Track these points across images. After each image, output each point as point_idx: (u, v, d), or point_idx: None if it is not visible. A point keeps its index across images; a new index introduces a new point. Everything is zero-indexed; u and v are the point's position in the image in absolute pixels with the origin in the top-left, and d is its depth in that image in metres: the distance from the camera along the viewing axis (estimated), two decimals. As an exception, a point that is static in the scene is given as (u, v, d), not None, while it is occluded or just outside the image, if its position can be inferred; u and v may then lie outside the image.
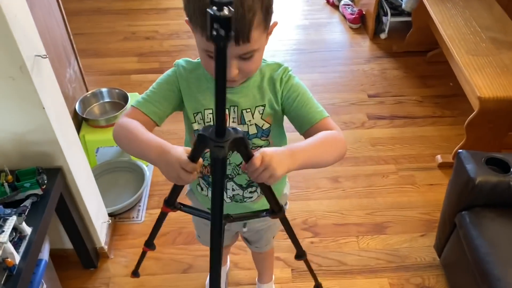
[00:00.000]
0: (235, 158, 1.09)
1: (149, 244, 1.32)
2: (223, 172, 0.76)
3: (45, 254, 1.55)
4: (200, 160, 0.83)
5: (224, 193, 1.18)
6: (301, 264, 1.95)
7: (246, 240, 1.49)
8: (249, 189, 1.17)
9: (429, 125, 2.62)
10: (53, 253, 1.70)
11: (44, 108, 1.39)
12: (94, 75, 2.94)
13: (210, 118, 1.05)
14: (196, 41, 0.92)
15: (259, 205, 1.19)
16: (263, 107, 1.04)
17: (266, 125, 1.06)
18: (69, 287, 1.85)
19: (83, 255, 1.85)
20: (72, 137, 1.67)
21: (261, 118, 1.05)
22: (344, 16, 3.60)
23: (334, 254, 1.98)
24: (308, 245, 1.99)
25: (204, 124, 1.06)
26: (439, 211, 2.11)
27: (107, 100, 2.37)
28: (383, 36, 3.33)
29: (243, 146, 0.80)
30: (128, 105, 2.25)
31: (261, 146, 1.08)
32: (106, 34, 3.41)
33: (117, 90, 2.36)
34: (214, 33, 0.58)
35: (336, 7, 3.76)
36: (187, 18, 0.91)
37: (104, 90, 2.36)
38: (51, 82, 1.48)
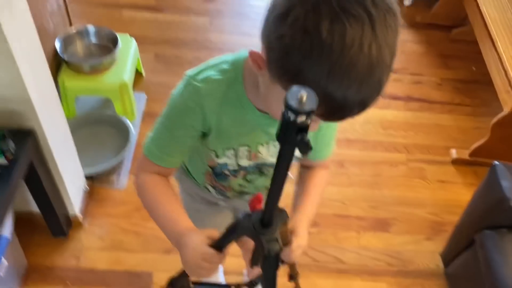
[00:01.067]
0: (260, 181, 0.93)
1: None
2: (276, 268, 0.59)
3: (6, 229, 1.32)
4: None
5: (231, 190, 0.97)
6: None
7: None
8: None
9: (446, 113, 2.40)
10: (16, 216, 1.46)
11: (14, 59, 1.10)
12: (80, 5, 2.55)
13: (246, 156, 0.83)
14: (269, 88, 0.64)
15: None
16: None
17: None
18: (34, 256, 1.63)
19: (52, 222, 1.62)
20: (49, 92, 1.38)
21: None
22: (366, -27, 3.23)
23: (332, 249, 1.81)
24: (305, 236, 1.81)
25: (237, 159, 0.84)
26: (449, 213, 1.98)
27: (93, 41, 2.04)
28: (407, 2, 3.00)
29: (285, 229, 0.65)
30: (117, 50, 1.93)
31: None
32: (98, -44, 2.96)
33: (106, 31, 2.02)
34: (299, 141, 0.46)
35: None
36: (262, 54, 0.61)
37: (90, 28, 2.02)
38: (26, 25, 1.17)
